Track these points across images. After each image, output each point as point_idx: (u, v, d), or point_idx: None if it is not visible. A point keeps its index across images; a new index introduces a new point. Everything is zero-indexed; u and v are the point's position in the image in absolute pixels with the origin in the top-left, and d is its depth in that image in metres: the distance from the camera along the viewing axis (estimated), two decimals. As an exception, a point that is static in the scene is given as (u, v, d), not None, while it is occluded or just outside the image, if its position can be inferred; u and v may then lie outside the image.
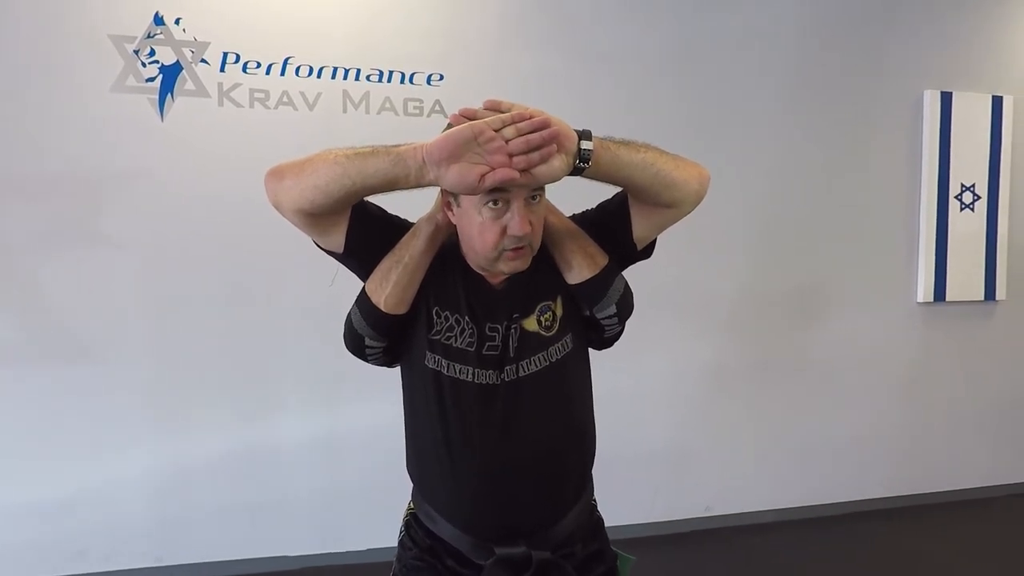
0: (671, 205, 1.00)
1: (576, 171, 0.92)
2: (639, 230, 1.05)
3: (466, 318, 1.04)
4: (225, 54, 2.38)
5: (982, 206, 3.10)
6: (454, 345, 1.03)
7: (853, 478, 3.10)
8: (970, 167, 3.07)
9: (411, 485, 1.15)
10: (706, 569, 2.62)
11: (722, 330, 2.93)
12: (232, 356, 2.47)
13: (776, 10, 2.85)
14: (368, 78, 2.49)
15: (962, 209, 3.08)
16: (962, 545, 2.81)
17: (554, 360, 1.05)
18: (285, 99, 2.43)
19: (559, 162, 0.89)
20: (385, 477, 2.68)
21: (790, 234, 2.96)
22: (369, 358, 1.09)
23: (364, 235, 1.02)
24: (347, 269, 1.09)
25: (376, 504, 2.60)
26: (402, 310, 1.02)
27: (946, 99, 3.02)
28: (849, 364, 3.05)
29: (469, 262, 1.06)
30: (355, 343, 1.07)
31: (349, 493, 2.59)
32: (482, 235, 0.96)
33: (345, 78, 2.47)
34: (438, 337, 1.04)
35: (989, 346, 3.23)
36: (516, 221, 0.94)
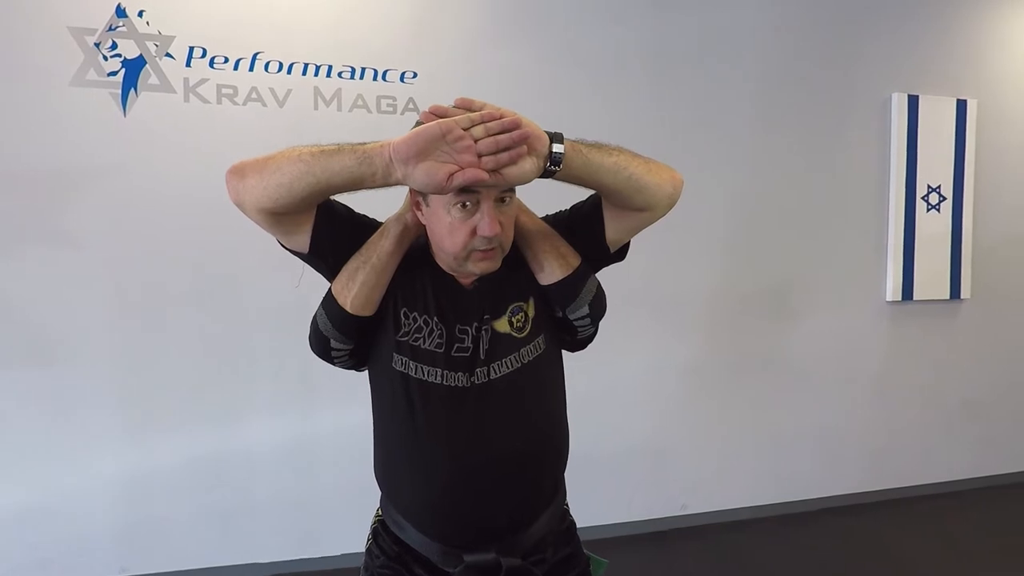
0: (644, 209, 0.99)
1: (547, 174, 0.91)
2: (612, 233, 1.04)
3: (435, 319, 1.02)
4: (191, 48, 2.31)
5: (947, 207, 3.17)
6: (422, 347, 1.01)
7: (827, 473, 3.15)
8: (936, 169, 3.14)
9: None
10: (683, 567, 2.64)
11: (696, 329, 2.95)
12: (200, 358, 2.41)
13: (747, 13, 2.88)
14: (340, 75, 2.45)
15: (928, 210, 3.14)
16: (934, 538, 2.87)
17: (526, 362, 1.03)
18: (254, 95, 2.37)
19: (529, 164, 0.88)
20: (359, 480, 2.64)
21: (763, 234, 3.00)
22: (335, 361, 1.07)
23: (330, 235, 0.99)
24: (313, 270, 1.06)
25: (350, 507, 2.56)
26: (369, 311, 1.00)
27: (913, 102, 3.08)
28: (821, 361, 3.10)
29: (439, 262, 1.05)
30: (321, 345, 1.04)
31: (323, 497, 2.54)
32: (451, 235, 0.95)
33: (316, 74, 2.42)
34: (406, 339, 1.01)
35: (955, 343, 3.31)
36: (486, 222, 0.92)
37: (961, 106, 3.14)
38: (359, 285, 0.98)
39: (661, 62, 2.79)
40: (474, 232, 0.94)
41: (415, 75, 2.51)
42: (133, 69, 2.26)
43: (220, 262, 2.40)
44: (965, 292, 3.23)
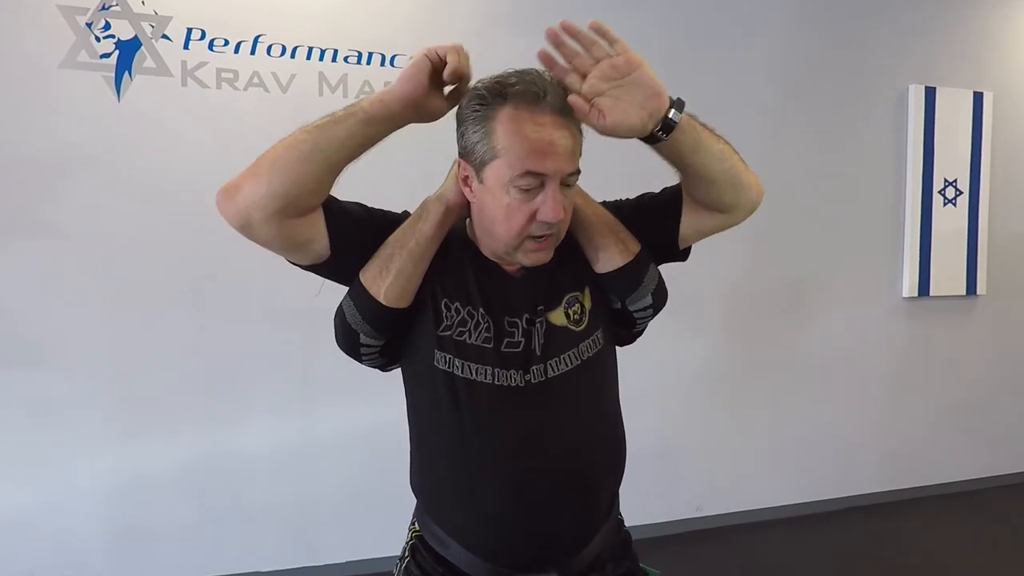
0: (728, 209, 0.93)
1: (651, 139, 0.83)
2: (686, 228, 0.97)
3: (480, 311, 0.91)
4: (189, 30, 2.19)
5: (964, 201, 3.11)
6: (467, 341, 0.90)
7: (844, 473, 3.08)
8: (952, 162, 3.08)
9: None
10: (699, 571, 2.56)
11: (711, 328, 2.87)
12: (195, 357, 2.29)
13: (764, 5, 2.80)
14: (346, 60, 2.34)
15: (945, 204, 3.08)
16: (954, 538, 2.81)
17: (586, 358, 0.94)
18: (256, 80, 2.26)
19: (637, 118, 0.80)
20: (363, 485, 2.56)
21: (778, 230, 2.92)
22: (364, 358, 0.96)
23: (348, 228, 0.89)
24: (335, 281, 0.96)
25: (354, 514, 2.47)
26: (404, 303, 0.90)
27: (930, 94, 3.02)
28: (837, 360, 3.03)
29: (482, 248, 0.95)
30: (349, 341, 0.93)
31: (324, 503, 2.43)
32: (507, 219, 0.85)
33: (321, 59, 2.31)
34: (449, 333, 0.91)
35: (971, 340, 3.25)
36: (549, 206, 0.83)
37: (978, 99, 3.09)
38: (394, 274, 0.88)
39: (676, 53, 2.70)
40: (534, 216, 0.84)
41: (424, 61, 2.41)
42: (127, 51, 2.14)
43: (218, 257, 2.27)
44: (981, 288, 3.18)
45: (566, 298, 0.95)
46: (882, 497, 3.13)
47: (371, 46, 2.36)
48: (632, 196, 1.03)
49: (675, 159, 0.87)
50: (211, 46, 2.21)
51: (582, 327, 0.95)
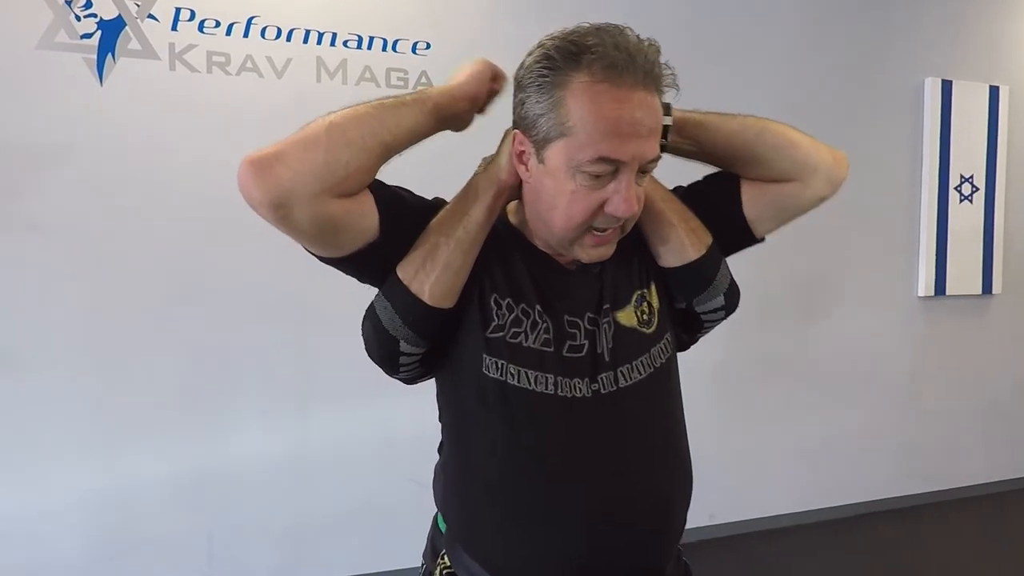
0: (793, 177, 0.81)
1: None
2: (751, 208, 0.85)
3: (537, 308, 0.78)
4: (178, 10, 2.04)
5: (980, 198, 3.04)
6: (523, 344, 0.77)
7: (860, 478, 2.99)
8: (968, 158, 3.00)
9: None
10: (714, 582, 2.45)
11: (721, 329, 2.75)
12: (182, 361, 2.13)
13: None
14: (346, 44, 2.20)
15: (961, 201, 3.01)
16: (970, 543, 2.74)
17: (658, 365, 0.82)
18: (249, 64, 2.12)
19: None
20: (361, 496, 2.41)
21: (791, 229, 2.80)
22: (401, 370, 0.81)
23: (398, 206, 0.76)
24: (365, 276, 0.82)
25: (351, 527, 2.32)
26: (451, 302, 0.76)
27: (946, 87, 2.94)
28: (852, 361, 2.94)
29: (534, 236, 0.81)
30: (385, 350, 0.78)
31: (320, 515, 2.29)
32: (570, 207, 0.73)
33: (319, 43, 2.17)
34: (500, 335, 0.77)
35: (987, 340, 3.17)
36: (622, 197, 0.71)
37: (994, 92, 3.01)
38: (440, 267, 0.74)
39: (689, 47, 2.60)
40: (600, 208, 0.72)
41: (428, 46, 2.28)
42: (110, 31, 1.99)
43: (207, 254, 2.13)
44: (996, 287, 3.10)
45: (635, 295, 0.82)
46: (899, 502, 3.04)
47: (372, 30, 2.22)
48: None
49: (693, 154, 0.80)
50: (201, 27, 2.07)
51: (652, 329, 0.82)
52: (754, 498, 2.83)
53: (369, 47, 2.22)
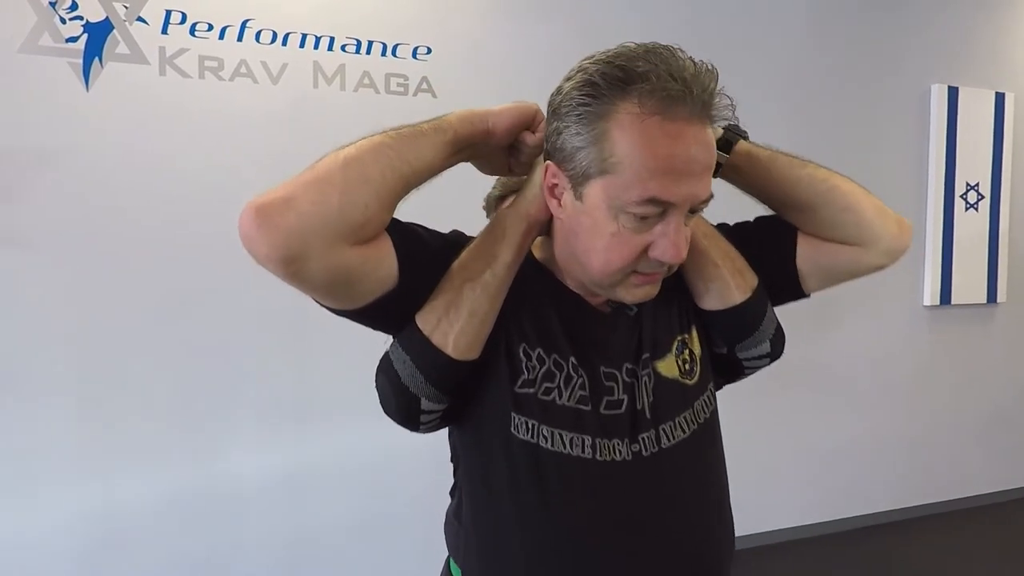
0: (854, 242, 0.75)
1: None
2: (804, 262, 0.78)
3: (571, 360, 0.70)
4: (168, 12, 1.96)
5: (985, 206, 3.00)
6: (557, 402, 0.69)
7: (868, 489, 2.95)
8: (974, 165, 2.97)
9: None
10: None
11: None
12: (175, 379, 2.05)
13: (785, 3, 2.67)
14: (344, 48, 2.12)
15: (967, 209, 2.97)
16: (976, 554, 2.70)
17: (702, 420, 0.75)
18: (243, 70, 2.03)
19: None
20: (362, 516, 2.33)
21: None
22: (422, 427, 0.72)
23: (417, 248, 0.68)
24: (379, 325, 0.73)
25: (351, 548, 2.24)
26: (476, 353, 0.68)
27: (952, 94, 2.90)
28: (858, 371, 2.91)
29: (565, 275, 0.74)
30: (405, 409, 0.69)
31: (318, 540, 2.20)
32: (610, 250, 0.65)
33: (316, 47, 2.09)
34: (531, 390, 0.69)
35: (992, 349, 3.15)
36: (670, 241, 0.64)
37: (999, 99, 2.98)
38: (466, 315, 0.66)
39: (692, 47, 2.53)
40: (644, 252, 0.65)
41: (429, 51, 2.21)
42: (97, 34, 1.90)
43: (200, 265, 2.05)
44: (1001, 296, 3.07)
45: (676, 342, 0.75)
46: (909, 513, 3.01)
47: (371, 34, 2.15)
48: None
49: (746, 188, 0.74)
50: (193, 31, 1.98)
51: (694, 379, 0.75)
52: (761, 512, 2.78)
53: (368, 51, 2.14)
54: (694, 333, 0.78)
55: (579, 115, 0.64)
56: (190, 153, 2.00)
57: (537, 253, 0.77)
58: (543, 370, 0.70)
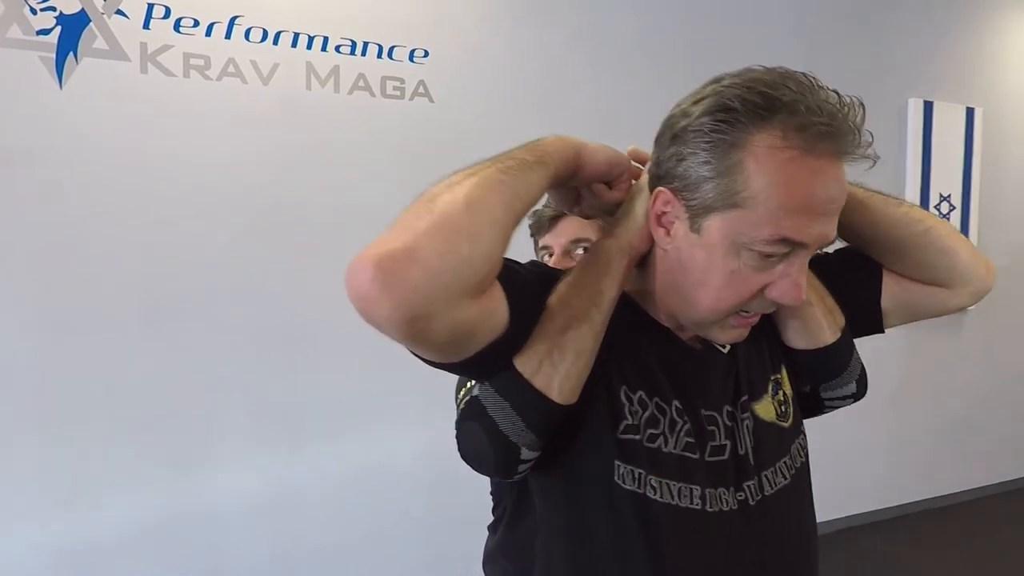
0: (943, 284, 0.74)
1: None
2: (889, 301, 0.76)
3: (675, 404, 0.66)
4: (150, 6, 1.84)
5: (956, 216, 3.12)
6: (664, 450, 0.64)
7: (840, 494, 3.01)
8: (947, 177, 3.08)
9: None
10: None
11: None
12: (150, 395, 1.92)
13: (765, 16, 2.70)
14: (338, 49, 2.04)
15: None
16: (948, 554, 2.81)
17: (799, 465, 0.72)
18: (231, 69, 1.93)
19: None
20: (353, 538, 2.24)
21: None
22: (517, 476, 0.66)
23: (523, 291, 0.61)
24: (474, 373, 0.67)
25: (343, 567, 2.15)
26: (577, 397, 0.62)
27: (928, 108, 3.00)
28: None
29: (657, 310, 0.69)
30: (503, 459, 0.63)
31: (306, 562, 2.11)
32: (724, 287, 0.61)
33: (309, 47, 2.00)
34: (636, 437, 0.64)
35: (961, 355, 3.27)
36: (792, 283, 0.60)
37: (970, 114, 3.10)
38: (572, 356, 0.60)
39: (683, 52, 2.55)
40: (760, 291, 0.61)
41: (426, 54, 2.14)
42: (72, 28, 1.76)
43: (179, 271, 1.93)
44: (969, 303, 3.20)
45: (770, 382, 0.72)
46: (880, 515, 3.10)
47: (366, 35, 2.07)
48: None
49: (840, 231, 0.69)
50: (177, 27, 1.86)
51: (789, 421, 0.72)
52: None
53: (363, 53, 2.06)
54: (784, 373, 0.75)
55: (710, 142, 0.59)
56: (174, 156, 1.88)
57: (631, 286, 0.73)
58: (646, 415, 0.65)
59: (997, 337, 3.36)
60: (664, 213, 0.64)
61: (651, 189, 0.66)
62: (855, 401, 0.79)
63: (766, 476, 0.68)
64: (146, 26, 1.83)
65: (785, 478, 0.70)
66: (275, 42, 1.96)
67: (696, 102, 0.61)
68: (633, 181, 0.71)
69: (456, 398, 1.00)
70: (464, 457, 0.67)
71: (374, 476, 2.18)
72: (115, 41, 1.81)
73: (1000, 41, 3.25)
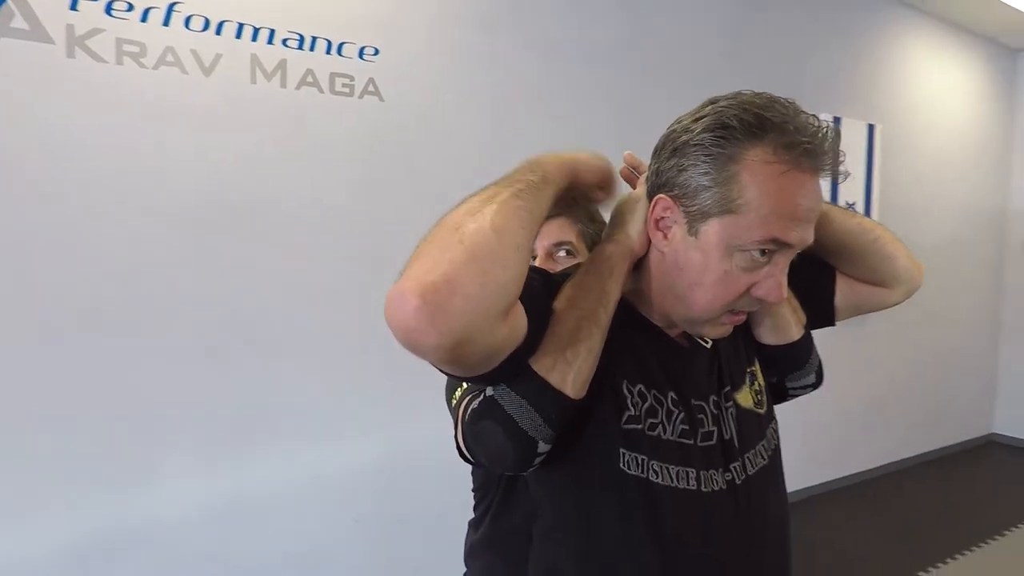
0: (885, 284, 0.85)
1: None
2: (841, 299, 0.87)
3: (670, 395, 0.73)
4: (78, -15, 1.70)
5: (860, 223, 3.44)
6: (663, 437, 0.71)
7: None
8: (851, 187, 3.39)
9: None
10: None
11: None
12: (88, 402, 1.77)
13: (686, 38, 2.85)
14: (285, 43, 1.97)
15: (846, 225, 3.39)
16: (862, 524, 3.10)
17: (774, 447, 0.81)
18: (170, 58, 1.81)
19: None
20: (301, 543, 2.15)
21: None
22: (531, 470, 0.70)
23: (537, 302, 0.66)
24: (488, 379, 0.69)
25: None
26: (585, 391, 0.68)
27: (836, 123, 3.28)
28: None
29: (656, 310, 0.75)
30: (521, 454, 0.66)
31: (258, 566, 2.02)
32: (717, 287, 0.68)
33: (255, 39, 1.92)
34: (638, 426, 0.70)
35: (866, 346, 3.62)
36: (775, 282, 0.68)
37: (871, 129, 3.42)
38: (583, 354, 0.66)
39: (627, 61, 2.66)
40: (747, 290, 0.68)
41: (376, 51, 2.11)
42: (-14, 4, 1.60)
43: (115, 273, 1.79)
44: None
45: (747, 373, 0.81)
46: (800, 494, 3.36)
47: (315, 30, 2.01)
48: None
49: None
50: (109, 10, 1.73)
51: (764, 408, 0.81)
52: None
53: (312, 48, 2.00)
54: (757, 365, 0.84)
55: (709, 155, 0.66)
56: (101, 147, 1.74)
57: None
58: (646, 406, 0.71)
59: (899, 327, 3.74)
60: (663, 218, 0.70)
61: (650, 197, 0.72)
62: (814, 389, 0.90)
63: (748, 458, 0.76)
64: (73, 7, 1.69)
65: (764, 459, 0.78)
66: (218, 32, 1.87)
67: (696, 119, 0.68)
68: (631, 190, 0.78)
69: (449, 400, 1.01)
70: (476, 454, 0.70)
71: (322, 484, 2.12)
72: (36, 21, 1.66)
73: (899, 66, 3.64)
